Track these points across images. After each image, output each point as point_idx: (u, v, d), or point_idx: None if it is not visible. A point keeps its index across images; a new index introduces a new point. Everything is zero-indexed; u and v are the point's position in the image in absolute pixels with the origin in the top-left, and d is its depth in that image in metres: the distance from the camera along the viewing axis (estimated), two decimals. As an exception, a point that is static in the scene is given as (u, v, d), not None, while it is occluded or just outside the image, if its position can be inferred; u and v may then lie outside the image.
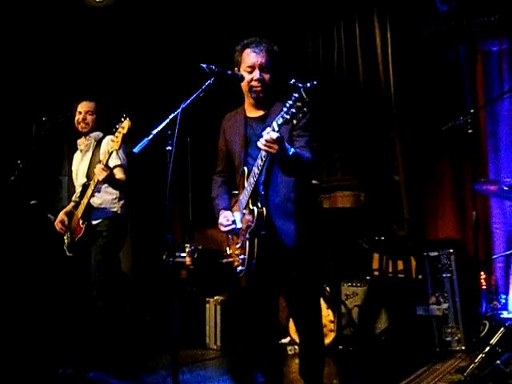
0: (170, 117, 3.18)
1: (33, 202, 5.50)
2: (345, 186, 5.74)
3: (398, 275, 5.66)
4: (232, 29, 6.19)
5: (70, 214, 4.73)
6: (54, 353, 4.92)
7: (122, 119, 3.99)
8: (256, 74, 3.43)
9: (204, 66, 3.26)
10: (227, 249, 3.65)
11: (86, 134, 4.76)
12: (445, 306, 4.88)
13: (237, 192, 3.59)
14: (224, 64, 3.43)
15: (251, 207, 3.33)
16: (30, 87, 6.25)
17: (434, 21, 5.68)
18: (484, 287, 4.83)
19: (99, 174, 4.21)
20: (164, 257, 5.90)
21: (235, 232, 3.50)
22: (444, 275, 4.91)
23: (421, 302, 4.99)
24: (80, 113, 4.71)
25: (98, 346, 4.51)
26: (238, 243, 3.46)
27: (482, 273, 4.85)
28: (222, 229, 3.53)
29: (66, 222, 4.68)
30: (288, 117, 2.98)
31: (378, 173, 5.90)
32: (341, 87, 6.10)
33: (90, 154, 4.71)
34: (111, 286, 4.58)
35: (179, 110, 3.17)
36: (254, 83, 3.45)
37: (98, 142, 4.69)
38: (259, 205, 3.33)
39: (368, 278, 5.49)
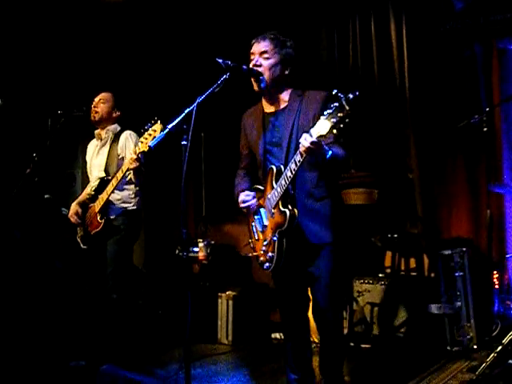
0: (186, 111, 3.19)
1: (47, 196, 5.53)
2: (358, 183, 5.72)
3: (410, 273, 5.66)
4: (247, 24, 6.20)
5: (83, 206, 4.76)
6: (66, 345, 4.95)
7: (153, 121, 3.97)
8: (254, 59, 3.44)
9: (220, 60, 3.26)
10: (250, 242, 3.63)
11: (97, 124, 4.79)
12: (457, 304, 4.87)
13: (262, 188, 3.55)
14: (239, 59, 3.43)
15: (282, 209, 3.31)
16: (46, 81, 6.28)
17: (449, 18, 5.65)
18: (497, 286, 4.82)
19: (131, 163, 4.21)
20: (177, 251, 5.94)
21: (260, 222, 3.48)
22: (457, 274, 4.89)
23: (433, 300, 4.99)
24: (93, 102, 4.77)
25: (110, 338, 4.54)
26: (264, 240, 3.45)
27: (495, 272, 4.84)
28: (241, 205, 3.54)
29: (81, 214, 4.72)
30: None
31: (391, 170, 5.88)
32: (355, 84, 6.09)
33: (107, 148, 4.73)
34: (125, 280, 4.61)
35: (195, 104, 3.18)
36: (254, 68, 3.43)
37: (116, 136, 4.71)
38: (290, 206, 3.31)
39: (380, 275, 5.49)
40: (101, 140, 4.81)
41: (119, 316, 4.54)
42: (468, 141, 5.45)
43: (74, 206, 4.77)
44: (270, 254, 3.39)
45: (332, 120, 2.92)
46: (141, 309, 5.91)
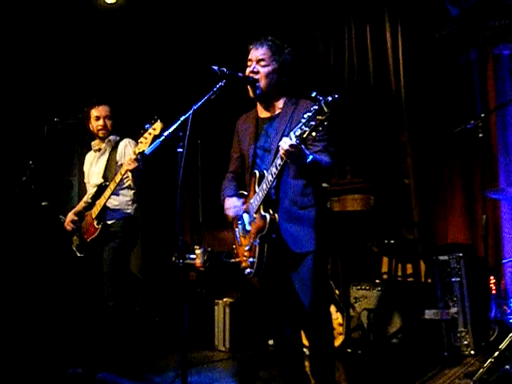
0: (182, 119, 3.20)
1: (44, 203, 5.53)
2: (355, 189, 5.73)
3: (407, 279, 5.65)
4: (243, 30, 6.21)
5: (79, 214, 4.75)
6: (63, 353, 4.94)
7: (153, 121, 3.97)
8: (251, 66, 3.45)
9: (215, 68, 3.28)
10: (234, 248, 3.65)
11: (105, 139, 4.79)
12: (454, 310, 4.87)
13: (246, 193, 3.57)
14: (235, 66, 3.44)
15: (263, 213, 3.32)
16: (42, 88, 6.29)
17: (445, 24, 5.67)
18: (493, 292, 4.81)
19: (129, 164, 4.21)
20: (174, 258, 5.93)
21: (243, 227, 3.50)
22: (453, 279, 4.90)
23: (430, 305, 4.98)
24: (98, 118, 4.71)
25: (107, 346, 4.53)
26: (246, 245, 3.45)
27: (492, 277, 4.83)
28: (229, 212, 3.55)
29: (77, 222, 4.71)
30: (307, 129, 2.95)
31: (387, 176, 5.89)
32: (351, 90, 6.10)
33: (105, 157, 4.74)
34: (122, 287, 4.60)
35: (190, 111, 3.19)
36: (251, 75, 3.45)
37: (115, 145, 4.71)
38: (271, 211, 3.32)
39: (377, 281, 5.49)
40: (99, 150, 4.81)
41: (116, 323, 4.53)
42: (464, 146, 5.46)
43: (70, 215, 4.77)
44: (250, 259, 3.39)
45: (311, 123, 2.93)
46: (138, 316, 5.90)
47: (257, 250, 3.35)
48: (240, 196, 3.62)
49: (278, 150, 3.34)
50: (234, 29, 6.44)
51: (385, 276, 5.75)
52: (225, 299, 5.63)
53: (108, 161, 4.70)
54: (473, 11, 5.53)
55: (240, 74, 3.39)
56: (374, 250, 5.61)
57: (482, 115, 4.55)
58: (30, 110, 6.13)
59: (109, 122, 4.74)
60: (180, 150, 3.18)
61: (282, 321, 3.64)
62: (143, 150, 4.05)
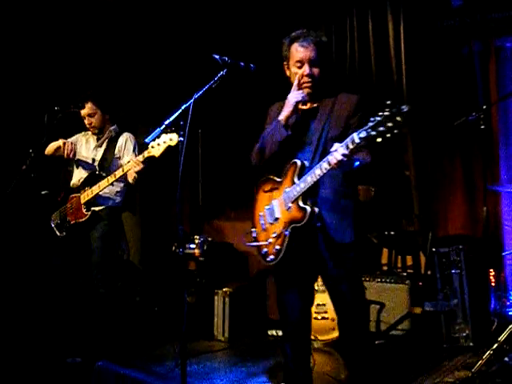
0: (183, 107, 3.19)
1: (44, 191, 5.52)
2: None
3: (407, 270, 5.65)
4: (245, 21, 6.19)
5: (65, 196, 4.87)
6: (62, 342, 4.94)
7: (169, 130, 3.92)
8: (306, 69, 3.37)
9: (217, 57, 3.27)
10: (253, 231, 3.59)
11: (99, 133, 4.87)
12: (453, 302, 4.87)
13: (278, 180, 3.49)
14: (237, 55, 3.42)
15: (302, 205, 3.27)
16: (43, 77, 6.27)
17: (447, 15, 5.65)
18: (493, 284, 4.82)
19: (135, 165, 4.30)
20: (174, 248, 5.93)
21: (271, 213, 3.45)
22: (453, 271, 4.90)
23: (429, 297, 4.99)
24: (85, 118, 4.84)
25: (106, 335, 4.54)
26: (273, 232, 3.41)
27: (492, 270, 4.84)
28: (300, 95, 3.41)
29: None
30: (374, 133, 2.90)
31: (388, 167, 5.88)
32: (352, 81, 6.08)
33: (104, 146, 4.83)
34: (112, 273, 4.72)
35: (191, 100, 3.18)
36: (304, 79, 3.39)
37: (115, 138, 4.74)
38: (309, 203, 3.28)
39: (377, 272, 5.49)
40: (98, 138, 4.87)
41: (110, 310, 4.61)
42: (465, 138, 5.46)
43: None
44: (277, 246, 3.36)
45: (380, 128, 2.89)
46: (137, 305, 5.90)
47: (286, 239, 3.32)
48: (268, 180, 3.56)
49: (318, 145, 3.35)
50: (236, 18, 6.42)
51: (385, 267, 5.75)
52: (224, 289, 5.62)
53: (106, 151, 4.78)
54: (475, 3, 5.52)
55: (242, 64, 3.36)
56: (374, 241, 5.61)
57: (484, 107, 4.54)
58: (31, 98, 6.11)
59: (92, 119, 4.82)
60: (181, 139, 3.17)
61: (297, 312, 3.56)
62: (153, 155, 4.13)
